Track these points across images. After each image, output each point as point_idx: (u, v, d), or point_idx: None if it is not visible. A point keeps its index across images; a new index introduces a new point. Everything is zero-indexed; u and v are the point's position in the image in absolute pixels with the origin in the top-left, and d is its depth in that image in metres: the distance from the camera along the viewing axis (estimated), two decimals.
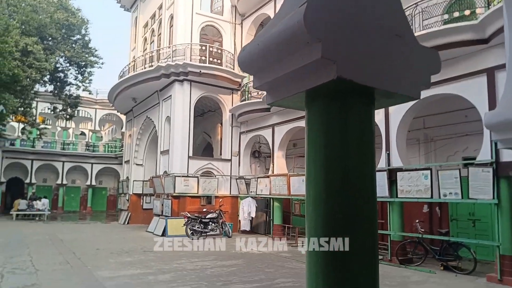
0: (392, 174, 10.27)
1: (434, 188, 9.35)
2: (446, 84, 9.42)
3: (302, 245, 12.59)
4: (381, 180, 10.34)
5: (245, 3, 17.42)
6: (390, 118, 10.62)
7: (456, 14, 9.70)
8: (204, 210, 15.38)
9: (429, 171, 9.55)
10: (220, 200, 16.15)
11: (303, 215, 14.53)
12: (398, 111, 10.39)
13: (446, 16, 9.98)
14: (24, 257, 9.39)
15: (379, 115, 10.86)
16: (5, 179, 29.74)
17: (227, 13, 18.16)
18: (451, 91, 9.41)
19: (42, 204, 23.48)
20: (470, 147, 11.50)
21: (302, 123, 13.67)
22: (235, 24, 18.18)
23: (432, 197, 9.39)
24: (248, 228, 15.85)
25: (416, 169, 10.04)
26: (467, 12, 9.49)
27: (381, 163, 10.65)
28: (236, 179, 16.97)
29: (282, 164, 15.10)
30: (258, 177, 15.68)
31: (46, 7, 20.48)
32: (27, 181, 30.50)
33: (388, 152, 10.56)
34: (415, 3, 10.15)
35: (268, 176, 14.85)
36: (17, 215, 22.48)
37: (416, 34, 9.52)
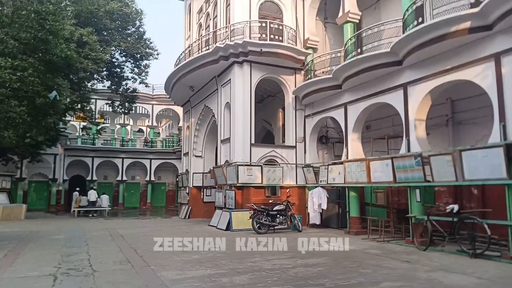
0: (510, 150, 8.06)
1: None
2: None
3: (389, 241, 10.72)
4: (495, 158, 8.20)
5: None
6: (504, 82, 8.41)
7: None
8: (270, 201, 13.95)
9: None
10: (287, 190, 14.63)
11: (385, 206, 12.59)
12: None
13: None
14: (82, 255, 8.49)
15: (487, 79, 8.73)
16: (68, 177, 30.50)
17: None
18: None
19: (104, 200, 23.48)
20: None
21: (381, 99, 11.79)
22: None
23: None
24: (318, 222, 14.18)
25: None
26: None
27: (494, 138, 8.50)
28: (303, 167, 15.36)
29: (358, 148, 13.22)
30: (329, 164, 13.93)
31: None
32: (89, 178, 31.08)
33: (503, 123, 8.38)
34: None
35: (342, 163, 13.06)
36: (78, 211, 22.59)
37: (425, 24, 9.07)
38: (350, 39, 12.82)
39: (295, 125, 15.87)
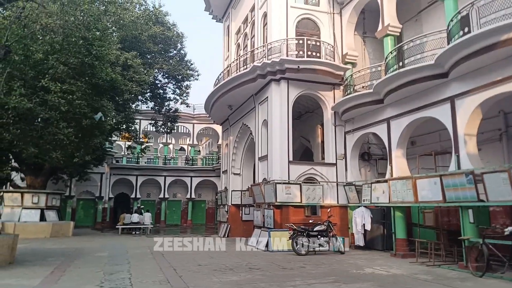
0: None
1: None
2: None
3: (440, 266, 9.99)
4: None
5: None
6: None
7: None
8: (311, 221, 13.54)
9: None
10: (328, 210, 14.17)
11: (435, 227, 11.83)
12: None
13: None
14: (124, 274, 8.55)
15: None
16: (113, 194, 31.59)
17: (323, 3, 16.43)
18: None
19: (146, 217, 23.96)
20: None
21: (426, 113, 11.23)
22: (333, 14, 16.35)
23: None
24: (362, 243, 13.53)
25: None
26: None
27: None
28: (344, 185, 14.86)
29: (403, 165, 12.61)
30: (372, 183, 13.37)
31: (144, 22, 21.07)
32: (133, 196, 32.05)
33: None
34: (471, 3, 9.06)
35: (386, 181, 12.49)
36: (122, 229, 23.16)
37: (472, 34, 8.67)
38: (391, 52, 12.42)
39: (335, 142, 15.48)
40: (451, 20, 9.91)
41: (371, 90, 12.90)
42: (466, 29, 9.22)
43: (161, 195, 33.26)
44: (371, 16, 15.89)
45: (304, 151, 19.74)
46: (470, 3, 9.12)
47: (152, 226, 24.92)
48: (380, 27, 13.56)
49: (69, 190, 28.01)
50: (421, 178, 10.95)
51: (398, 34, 13.60)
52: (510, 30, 8.09)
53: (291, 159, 14.78)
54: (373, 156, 16.19)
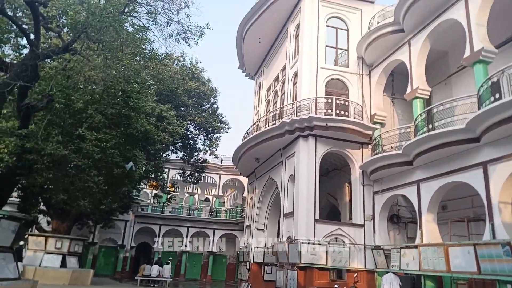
0: None
1: None
2: None
3: None
4: None
5: (373, 53, 16.02)
6: None
7: None
8: (336, 286, 12.92)
9: None
10: (355, 275, 13.53)
11: None
12: None
13: None
14: None
15: None
16: (135, 243, 31.35)
17: (353, 65, 16.93)
18: None
19: (166, 270, 23.55)
20: None
21: (458, 178, 10.93)
22: (362, 75, 16.75)
23: None
24: None
25: None
26: None
27: None
28: (372, 249, 14.26)
29: (434, 230, 12.06)
30: (401, 248, 12.78)
31: (181, 77, 22.26)
32: (154, 246, 31.69)
33: None
34: (502, 70, 9.16)
35: (416, 247, 11.92)
36: (141, 280, 22.72)
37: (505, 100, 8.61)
38: (420, 114, 12.43)
39: (363, 202, 15.12)
40: (482, 86, 9.92)
41: (400, 151, 12.76)
42: (497, 95, 9.18)
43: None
44: (400, 78, 16.14)
45: (330, 209, 19.34)
46: (501, 70, 9.17)
47: (171, 279, 24.42)
48: (409, 90, 13.71)
49: (93, 237, 28.13)
50: (453, 246, 10.39)
51: (428, 97, 13.67)
52: None
53: (317, 217, 14.47)
54: (402, 218, 15.61)
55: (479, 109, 9.83)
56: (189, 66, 25.10)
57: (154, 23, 14.31)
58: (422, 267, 11.40)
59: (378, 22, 15.64)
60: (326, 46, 17.09)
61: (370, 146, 15.42)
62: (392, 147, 13.84)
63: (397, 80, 16.79)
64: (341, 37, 17.44)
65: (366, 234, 14.74)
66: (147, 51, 13.79)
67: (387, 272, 12.97)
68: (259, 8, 19.81)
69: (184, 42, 15.82)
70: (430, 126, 11.70)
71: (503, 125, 9.02)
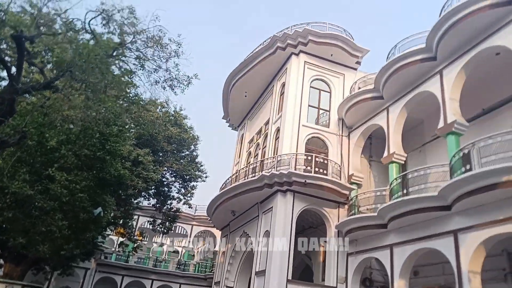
0: None
1: None
2: None
3: None
4: None
5: (353, 116, 16.73)
6: None
7: None
8: None
9: None
10: None
11: None
12: None
13: None
14: None
15: None
16: None
17: (333, 125, 17.59)
18: None
19: None
20: None
21: (430, 244, 11.09)
22: (341, 136, 17.34)
23: None
24: None
25: None
26: None
27: None
28: None
29: None
30: None
31: (163, 122, 22.32)
32: None
33: None
34: (472, 143, 9.77)
35: None
36: None
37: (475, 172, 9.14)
38: (396, 179, 12.79)
39: (337, 263, 14.90)
40: (454, 156, 10.41)
41: (375, 214, 12.91)
42: (468, 166, 9.62)
43: None
44: (378, 142, 16.75)
45: (304, 268, 18.93)
46: (471, 143, 9.71)
47: None
48: (385, 154, 14.20)
49: (48, 284, 25.98)
50: None
51: (403, 162, 14.16)
52: (507, 173, 8.44)
53: (290, 277, 14.10)
54: (375, 283, 15.39)
55: (451, 178, 10.24)
56: (173, 113, 25.26)
57: (142, 68, 14.59)
58: None
59: (359, 88, 16.53)
60: (309, 105, 17.82)
61: (346, 206, 15.56)
62: (367, 209, 13.99)
63: (375, 144, 17.41)
64: (324, 99, 18.30)
65: None
66: (131, 94, 13.85)
67: None
68: (247, 64, 20.71)
69: (170, 89, 16.08)
70: (405, 191, 12.00)
71: (473, 195, 9.37)
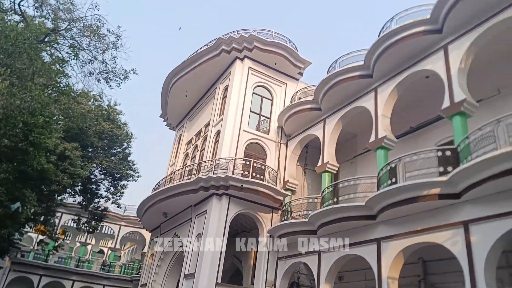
0: None
1: None
2: None
3: None
4: None
5: (292, 125, 17.24)
6: (474, 251, 8.58)
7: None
8: None
9: None
10: None
11: None
12: (483, 242, 8.45)
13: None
14: None
15: (457, 245, 8.93)
16: None
17: (273, 133, 17.94)
18: None
19: None
20: None
21: (355, 251, 11.74)
22: (280, 143, 17.74)
23: None
24: None
25: None
26: None
27: None
28: None
29: None
30: None
31: (95, 116, 21.10)
32: None
33: None
34: (399, 158, 10.47)
35: None
36: None
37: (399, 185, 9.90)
38: (328, 187, 13.37)
39: (267, 267, 15.17)
40: (381, 169, 11.15)
41: (307, 220, 13.37)
42: (393, 179, 10.37)
43: None
44: (313, 152, 17.41)
45: (234, 272, 18.99)
46: (398, 158, 10.48)
47: None
48: (320, 163, 14.81)
49: None
50: None
51: (336, 172, 14.87)
52: (429, 187, 9.25)
53: (219, 280, 14.08)
54: (302, 287, 15.92)
55: (378, 189, 10.94)
56: (106, 107, 23.92)
57: (76, 58, 13.70)
58: None
59: (300, 98, 17.08)
60: (251, 111, 18.02)
61: (279, 212, 15.91)
62: (300, 215, 14.44)
63: (310, 153, 18.07)
64: (265, 105, 18.60)
65: None
66: (61, 84, 12.95)
67: None
68: (190, 64, 20.38)
69: (105, 82, 15.25)
70: (335, 199, 12.59)
71: (396, 207, 10.10)
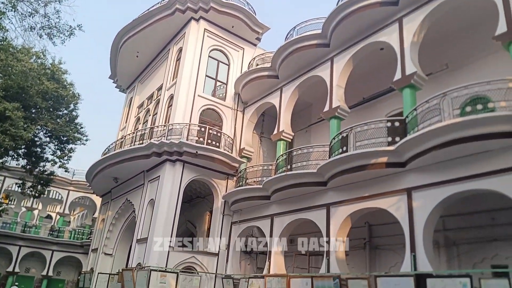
0: (420, 281, 8.45)
1: None
2: (478, 179, 8.29)
3: None
4: (407, 287, 8.54)
5: (249, 92, 17.07)
6: (415, 215, 9.23)
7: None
8: None
9: (468, 279, 7.78)
10: None
11: None
12: (423, 208, 9.10)
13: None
14: None
15: (400, 210, 9.55)
16: None
17: (229, 99, 17.69)
18: (488, 187, 8.21)
19: None
20: (500, 254, 10.09)
21: (306, 215, 12.19)
22: (236, 110, 17.60)
23: None
24: None
25: (451, 276, 8.33)
26: None
27: (405, 267, 8.95)
28: (223, 278, 14.55)
29: (280, 262, 13.04)
30: (249, 277, 13.37)
31: (37, 75, 19.62)
32: None
33: (413, 253, 8.92)
34: (350, 127, 10.79)
35: (263, 277, 12.63)
36: None
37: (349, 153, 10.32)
38: (282, 155, 13.61)
39: (221, 231, 15.45)
40: (334, 138, 11.47)
41: (261, 186, 13.63)
42: (345, 148, 10.72)
43: (10, 268, 28.04)
44: (270, 120, 17.53)
45: (189, 236, 19.12)
46: (350, 127, 10.80)
47: None
48: (275, 131, 14.96)
49: None
50: (294, 277, 11.39)
51: (290, 140, 15.12)
52: (376, 156, 9.69)
53: (173, 245, 14.17)
54: (254, 250, 16.44)
55: (329, 157, 11.30)
56: (50, 66, 22.25)
57: (14, 9, 12.48)
58: None
59: (257, 64, 16.84)
60: (206, 75, 17.54)
61: (235, 178, 16.05)
62: (254, 181, 14.67)
63: (267, 121, 18.17)
64: (222, 70, 18.17)
65: (219, 263, 15.02)
66: None
67: None
68: (142, 23, 19.29)
69: (48, 38, 14.13)
70: (289, 166, 12.88)
71: (346, 174, 10.53)
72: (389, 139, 9.89)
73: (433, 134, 8.34)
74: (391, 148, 9.48)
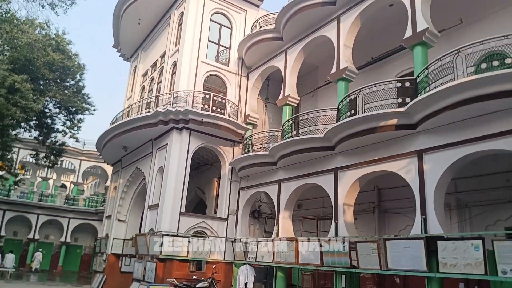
0: (430, 244, 8.41)
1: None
2: (493, 140, 7.99)
3: None
4: (417, 250, 8.52)
5: (253, 56, 16.58)
6: (426, 178, 9.03)
7: None
8: (194, 277, 13.06)
9: (480, 241, 7.71)
10: (214, 266, 13.81)
11: None
12: (434, 170, 8.88)
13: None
14: None
15: (410, 173, 9.35)
16: None
17: (233, 64, 17.25)
18: (503, 147, 7.92)
19: (8, 260, 20.72)
20: None
21: (313, 180, 12.09)
22: (241, 75, 17.21)
23: (486, 273, 7.50)
24: None
25: (463, 238, 8.24)
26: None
27: (416, 230, 8.87)
28: (232, 242, 14.81)
29: (289, 226, 13.15)
30: (258, 241, 13.57)
31: (43, 46, 19.42)
32: None
33: (424, 216, 8.81)
34: (359, 89, 10.44)
35: (272, 240, 12.80)
36: None
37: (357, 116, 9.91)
38: (288, 120, 13.37)
39: (229, 197, 15.58)
40: (341, 101, 11.15)
41: (267, 152, 13.52)
42: (353, 111, 10.43)
43: (31, 235, 29.19)
44: (275, 85, 17.11)
45: (198, 203, 19.43)
46: (358, 89, 10.44)
47: (14, 269, 21.50)
48: (281, 96, 14.64)
49: None
50: (303, 240, 11.49)
51: (296, 105, 14.81)
52: (386, 118, 9.39)
53: (183, 210, 14.37)
54: (263, 214, 16.62)
55: (337, 121, 11.04)
56: (54, 36, 21.98)
57: None
58: (275, 259, 12.33)
59: (261, 27, 16.22)
60: (209, 40, 17.03)
61: (241, 145, 15.97)
62: (260, 148, 14.58)
63: (272, 86, 17.76)
64: (224, 35, 17.59)
65: (229, 227, 15.25)
66: (2, 11, 11.65)
67: (244, 264, 13.66)
68: None
69: (50, 8, 13.89)
70: (295, 132, 12.68)
71: (354, 138, 10.28)
72: (399, 100, 9.52)
73: (446, 93, 7.97)
74: (401, 109, 9.15)
